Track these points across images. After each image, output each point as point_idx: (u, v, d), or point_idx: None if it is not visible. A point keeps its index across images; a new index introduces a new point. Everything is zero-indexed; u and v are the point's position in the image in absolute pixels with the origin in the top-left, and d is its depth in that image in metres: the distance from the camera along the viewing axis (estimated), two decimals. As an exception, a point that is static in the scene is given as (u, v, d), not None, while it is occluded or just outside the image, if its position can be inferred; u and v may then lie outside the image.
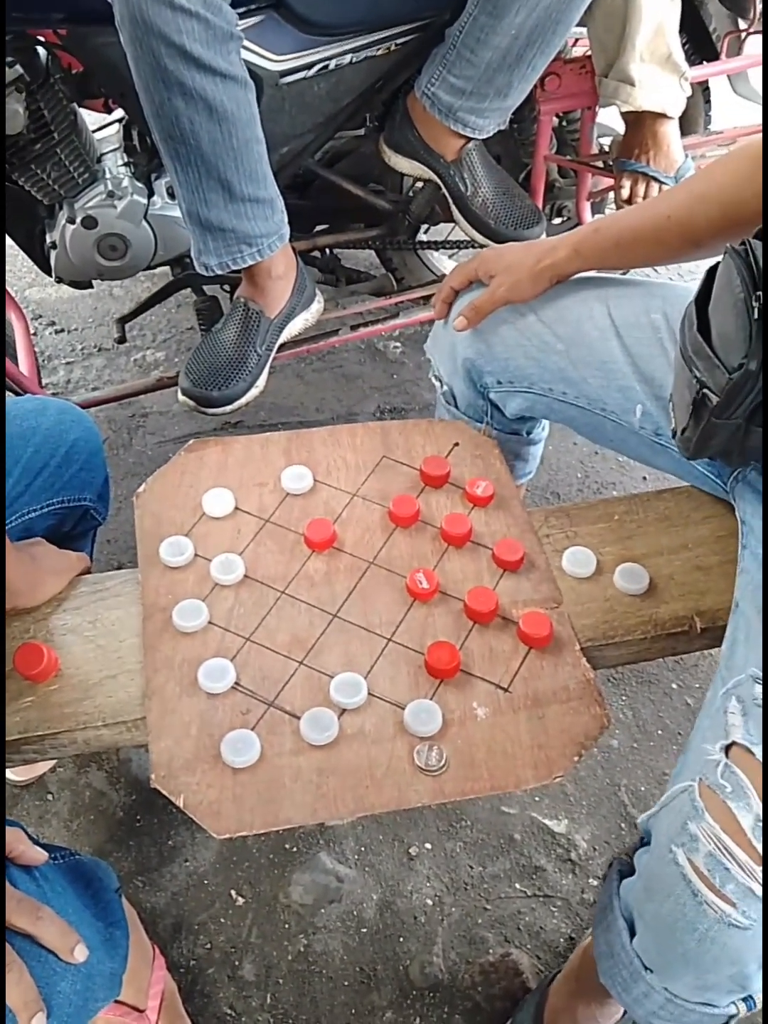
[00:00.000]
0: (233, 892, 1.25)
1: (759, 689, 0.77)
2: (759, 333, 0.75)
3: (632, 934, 0.84)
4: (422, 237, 1.88)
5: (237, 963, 1.20)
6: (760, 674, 0.78)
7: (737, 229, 0.90)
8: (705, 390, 0.82)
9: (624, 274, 1.15)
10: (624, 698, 1.47)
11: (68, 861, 0.86)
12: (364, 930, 1.22)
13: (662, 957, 0.81)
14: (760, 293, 0.76)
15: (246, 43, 1.31)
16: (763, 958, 0.75)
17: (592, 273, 1.10)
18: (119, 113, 1.61)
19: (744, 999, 0.83)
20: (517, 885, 1.27)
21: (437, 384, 1.24)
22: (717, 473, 1.00)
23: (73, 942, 0.70)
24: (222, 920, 1.23)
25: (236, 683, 0.86)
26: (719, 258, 0.82)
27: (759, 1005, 0.82)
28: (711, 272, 0.84)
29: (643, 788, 1.36)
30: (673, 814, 0.78)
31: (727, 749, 0.75)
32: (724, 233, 0.92)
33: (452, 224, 1.80)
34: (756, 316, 0.75)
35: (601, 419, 1.07)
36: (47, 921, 0.70)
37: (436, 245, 1.83)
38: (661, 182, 1.54)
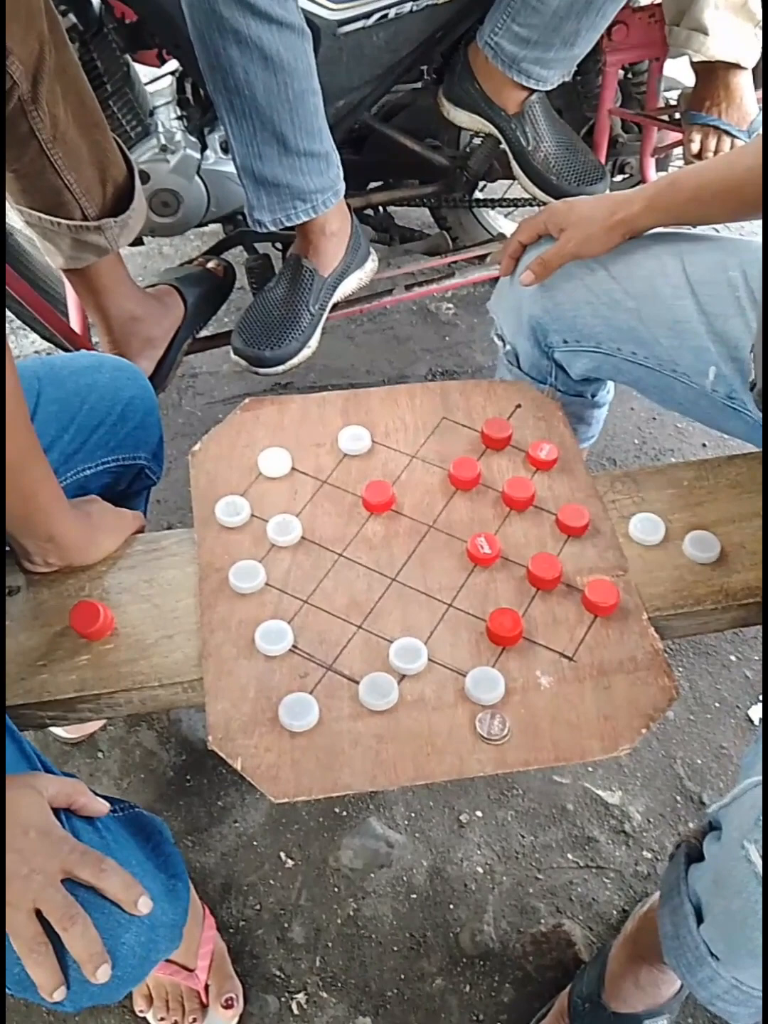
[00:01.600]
0: (283, 854, 1.25)
1: None
2: None
3: (699, 920, 0.82)
4: (478, 195, 1.83)
5: (286, 925, 1.19)
6: None
7: None
8: None
9: (697, 229, 1.10)
10: (681, 669, 1.44)
11: (128, 813, 0.85)
12: (414, 896, 1.22)
13: (730, 948, 0.79)
14: None
15: (303, -10, 1.27)
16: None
17: (665, 228, 1.06)
18: (172, 65, 1.57)
19: None
20: (569, 855, 1.25)
21: (499, 344, 1.20)
22: None
23: (137, 894, 0.70)
24: (271, 882, 1.23)
25: (293, 646, 0.85)
26: None
27: None
28: None
29: (699, 761, 1.33)
30: (745, 809, 0.75)
31: None
32: None
33: (508, 182, 1.75)
34: None
35: (671, 380, 1.03)
36: (111, 872, 0.69)
37: (492, 203, 1.79)
38: (733, 136, 1.48)
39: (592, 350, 1.07)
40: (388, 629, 0.87)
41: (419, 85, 1.65)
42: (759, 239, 0.97)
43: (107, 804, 0.78)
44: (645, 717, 0.81)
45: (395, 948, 1.18)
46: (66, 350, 1.53)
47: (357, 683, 0.82)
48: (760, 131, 1.51)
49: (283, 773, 0.77)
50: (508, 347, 1.18)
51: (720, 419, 1.03)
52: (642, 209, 1.00)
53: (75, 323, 1.56)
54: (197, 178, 1.54)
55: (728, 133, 1.48)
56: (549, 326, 1.09)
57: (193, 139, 1.53)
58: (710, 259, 1.00)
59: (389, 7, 1.38)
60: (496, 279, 1.33)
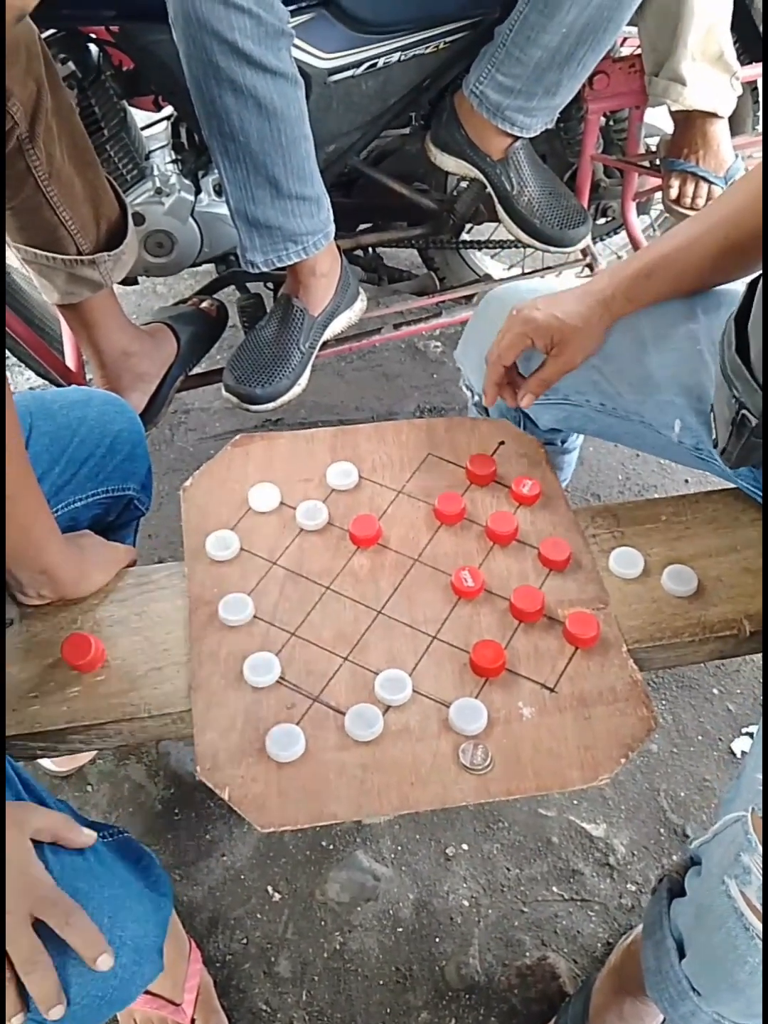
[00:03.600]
0: (270, 888, 1.26)
1: None
2: None
3: (681, 955, 0.83)
4: (465, 236, 1.88)
5: (273, 959, 1.20)
6: None
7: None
8: (744, 411, 0.81)
9: None
10: (664, 702, 1.45)
11: (118, 838, 0.86)
12: (400, 929, 1.22)
13: (711, 983, 0.80)
14: None
15: (296, 41, 1.32)
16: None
17: None
18: (167, 111, 1.62)
19: None
20: (554, 888, 1.26)
21: (468, 394, 1.22)
22: (756, 481, 0.99)
23: (99, 951, 0.70)
24: (258, 916, 1.23)
25: (281, 677, 0.86)
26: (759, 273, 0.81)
27: None
28: (751, 287, 0.82)
29: (683, 794, 1.35)
30: (726, 844, 0.77)
31: None
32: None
33: (494, 224, 1.80)
34: None
35: (641, 429, 1.05)
36: (77, 926, 0.69)
37: (479, 244, 1.83)
38: (710, 182, 1.53)
39: (559, 402, 1.08)
40: (374, 661, 0.88)
41: (407, 131, 1.70)
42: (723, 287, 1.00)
43: (94, 835, 0.78)
44: (625, 747, 0.82)
45: (381, 982, 1.18)
46: (59, 387, 1.56)
47: (343, 714, 0.83)
48: (737, 176, 1.56)
49: (270, 803, 0.78)
50: (477, 397, 1.19)
51: (693, 462, 1.05)
52: (622, 303, 0.98)
53: (70, 361, 1.59)
54: (191, 220, 1.58)
55: (705, 179, 1.53)
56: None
57: (187, 182, 1.57)
58: (670, 311, 1.00)
59: (378, 57, 1.43)
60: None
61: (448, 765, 0.81)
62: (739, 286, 0.88)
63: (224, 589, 0.93)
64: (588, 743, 0.82)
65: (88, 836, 0.77)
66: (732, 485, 1.06)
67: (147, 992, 1.07)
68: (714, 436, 0.89)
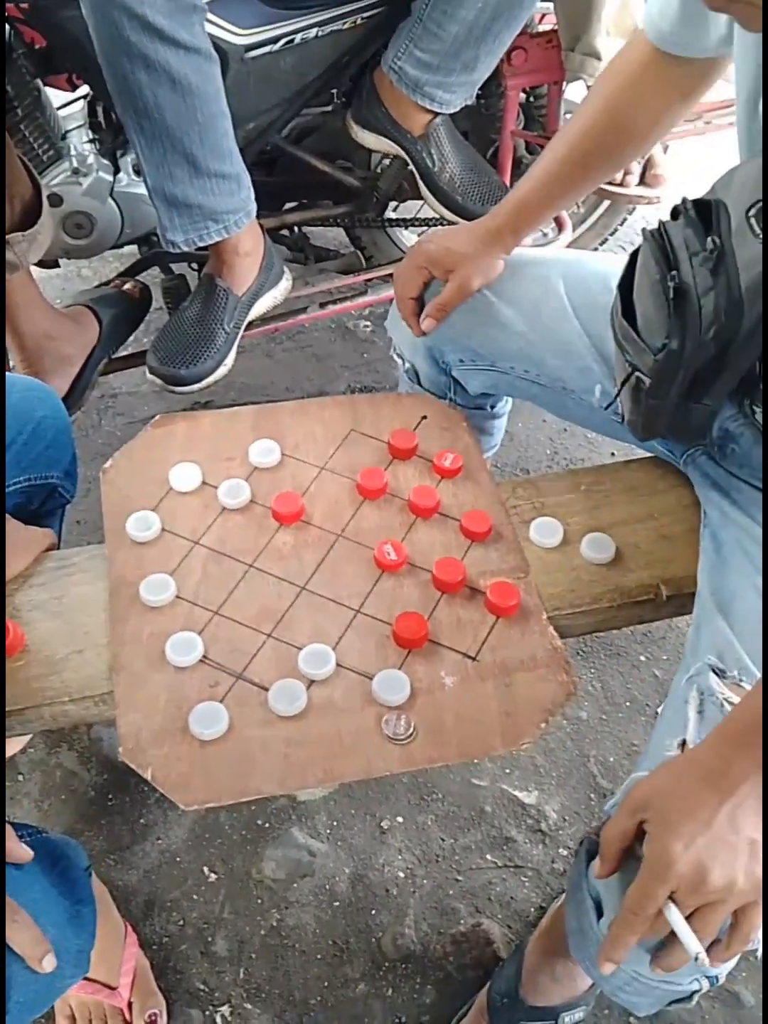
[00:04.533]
0: (206, 869, 1.26)
1: (714, 679, 0.78)
2: (677, 313, 0.77)
3: (599, 914, 0.85)
4: (391, 214, 1.87)
5: (210, 939, 1.20)
6: (718, 663, 0.79)
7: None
8: (638, 373, 0.83)
9: (578, 252, 1.16)
10: (593, 670, 1.48)
11: (35, 839, 0.85)
12: (336, 904, 1.23)
13: None
14: (675, 273, 0.77)
15: (210, 16, 1.30)
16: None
17: (546, 252, 1.11)
18: (84, 90, 1.58)
19: (708, 976, 0.84)
20: (488, 856, 1.28)
21: (399, 361, 1.24)
22: (671, 450, 1.02)
23: (43, 952, 0.70)
24: (195, 897, 1.23)
25: (204, 656, 0.86)
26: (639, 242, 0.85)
27: (722, 980, 0.83)
28: (633, 257, 0.86)
29: (612, 759, 1.38)
30: None
31: (681, 745, 0.77)
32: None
33: (420, 201, 1.80)
34: (671, 296, 0.76)
35: (563, 396, 1.08)
36: (21, 926, 0.70)
37: (405, 222, 1.82)
38: (628, 156, 1.54)
39: (487, 368, 1.11)
40: (298, 636, 0.89)
41: (329, 108, 1.68)
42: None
43: (31, 852, 0.78)
44: (545, 712, 0.84)
45: (319, 956, 1.19)
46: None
47: (267, 690, 0.84)
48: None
49: (193, 781, 0.78)
50: (407, 365, 1.21)
51: (613, 431, 1.07)
52: (508, 221, 1.07)
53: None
54: (110, 200, 1.55)
55: (623, 154, 1.54)
56: (444, 347, 1.13)
57: (106, 162, 1.54)
58: (591, 282, 1.05)
59: (295, 33, 1.42)
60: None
61: (372, 736, 0.82)
62: None
63: (145, 570, 0.92)
64: (509, 709, 0.84)
65: (25, 851, 0.77)
66: (650, 454, 1.08)
67: (83, 978, 1.07)
68: (621, 409, 0.91)
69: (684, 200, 0.80)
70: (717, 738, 0.70)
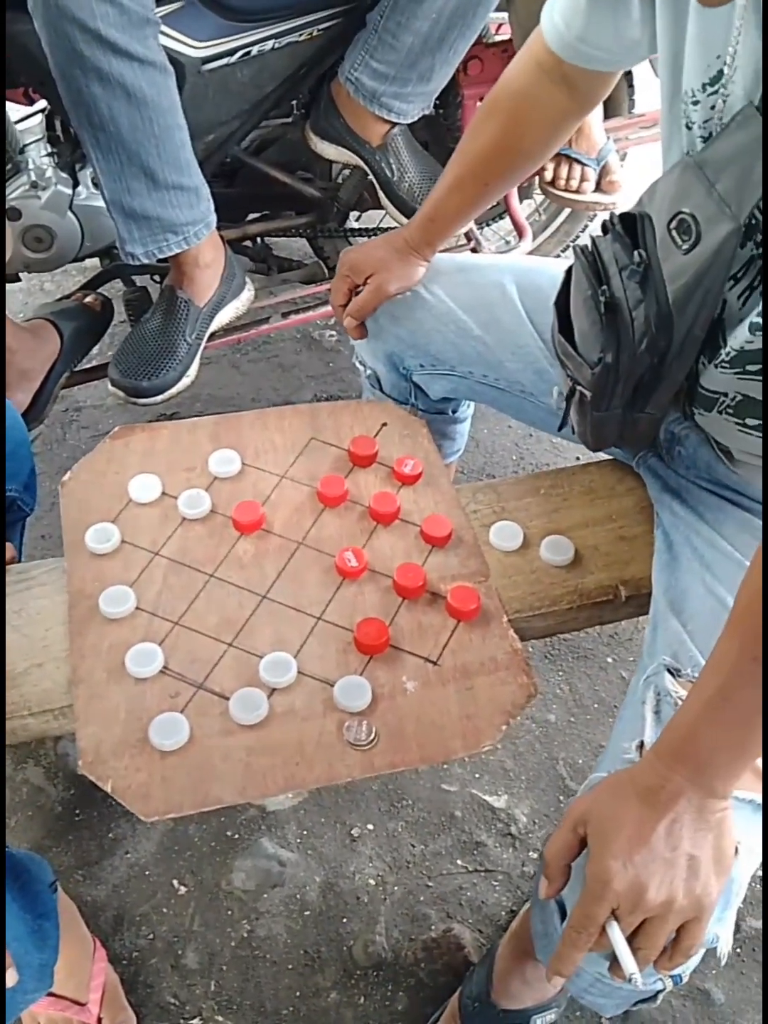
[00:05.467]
0: (175, 881, 1.25)
1: (669, 679, 0.79)
2: (609, 327, 0.78)
3: (564, 917, 0.86)
4: (354, 224, 1.88)
5: (180, 952, 1.19)
6: (672, 662, 0.80)
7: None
8: (579, 387, 0.84)
9: (533, 259, 1.18)
10: (560, 673, 1.49)
11: None
12: (307, 913, 1.23)
13: None
14: (606, 288, 0.78)
15: (166, 29, 1.30)
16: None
17: (501, 257, 1.13)
18: (42, 104, 1.58)
19: (671, 975, 0.84)
20: (459, 861, 1.28)
21: (361, 368, 1.25)
22: (626, 453, 1.03)
23: (5, 967, 0.69)
24: (164, 910, 1.23)
25: (164, 667, 0.86)
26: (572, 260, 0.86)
27: (685, 979, 0.83)
28: (568, 274, 0.87)
29: (580, 761, 1.38)
30: None
31: (640, 747, 0.77)
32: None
33: (383, 211, 1.81)
34: (603, 311, 0.78)
35: (521, 400, 1.09)
36: None
37: (367, 232, 1.84)
38: (583, 164, 1.56)
39: (447, 373, 1.13)
40: (259, 645, 0.89)
41: (289, 119, 1.69)
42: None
43: None
44: (505, 714, 0.84)
45: (290, 966, 1.18)
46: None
47: (228, 699, 0.84)
48: (608, 158, 1.60)
49: (154, 791, 0.78)
50: (369, 371, 1.22)
51: (571, 433, 1.08)
52: (420, 234, 1.09)
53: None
54: (70, 213, 1.55)
55: (579, 161, 1.56)
56: (405, 354, 1.14)
57: (64, 175, 1.54)
58: (544, 285, 1.06)
59: (251, 45, 1.42)
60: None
61: (333, 743, 0.82)
62: None
63: (105, 582, 0.92)
64: (470, 713, 0.84)
65: None
66: (609, 457, 1.10)
67: (51, 994, 1.06)
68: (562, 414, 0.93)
69: (611, 215, 0.82)
70: (653, 753, 0.70)
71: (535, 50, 0.96)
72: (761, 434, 0.80)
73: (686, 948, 0.69)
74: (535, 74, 0.96)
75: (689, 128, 0.77)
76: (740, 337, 0.75)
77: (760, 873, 1.28)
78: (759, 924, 1.24)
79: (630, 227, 0.80)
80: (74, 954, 1.07)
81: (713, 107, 0.73)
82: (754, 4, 0.65)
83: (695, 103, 0.74)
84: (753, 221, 0.72)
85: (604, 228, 0.83)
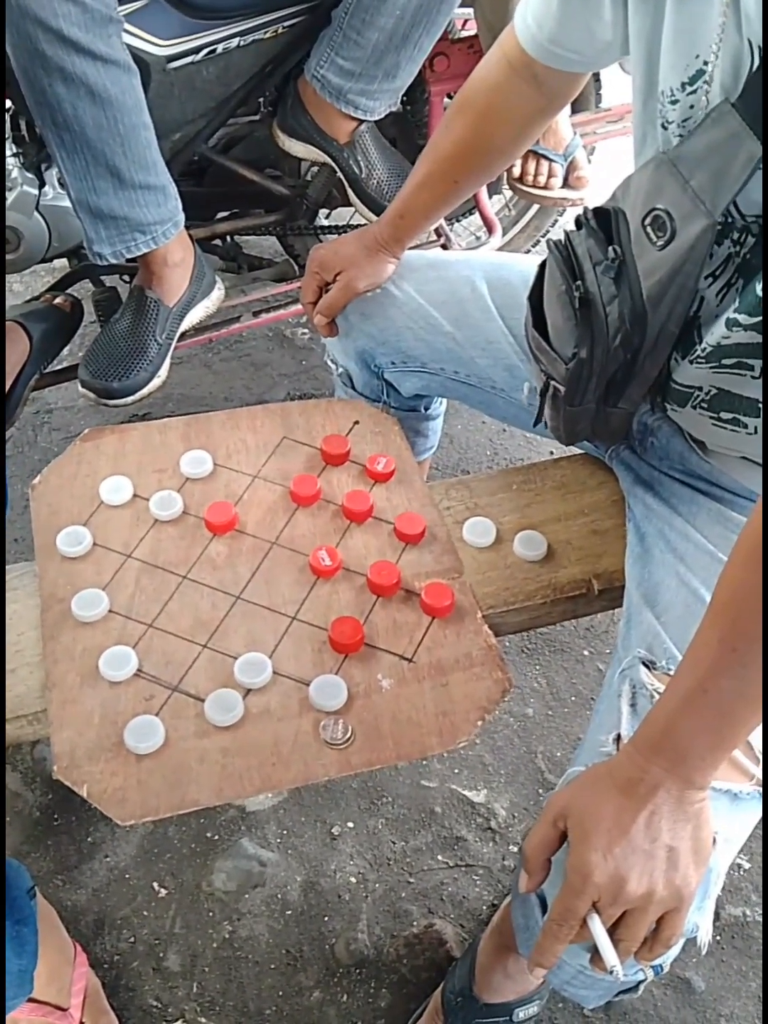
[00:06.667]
0: (156, 884, 1.24)
1: (644, 671, 0.79)
2: (584, 322, 0.78)
3: (544, 910, 0.86)
4: (324, 221, 1.88)
5: (162, 955, 1.19)
6: (647, 655, 0.81)
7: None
8: (552, 381, 0.85)
9: (501, 254, 1.18)
10: (538, 667, 1.50)
11: None
12: (288, 912, 1.23)
13: None
14: (580, 283, 0.78)
15: (130, 27, 1.29)
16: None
17: (471, 254, 1.13)
18: (5, 104, 1.57)
19: (652, 966, 0.85)
20: (439, 857, 1.28)
21: (333, 366, 1.24)
22: (598, 447, 1.04)
23: None
24: (145, 913, 1.22)
25: (139, 670, 0.86)
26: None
27: (666, 969, 0.84)
28: (542, 269, 0.87)
29: (559, 754, 1.39)
30: None
31: (617, 740, 0.78)
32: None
33: (352, 208, 1.80)
34: (577, 306, 0.78)
35: (492, 396, 1.10)
36: None
37: (337, 229, 1.83)
38: (551, 160, 1.57)
39: (418, 370, 1.13)
40: (233, 646, 0.88)
41: (257, 117, 1.68)
42: None
43: None
44: (481, 710, 0.85)
45: (272, 966, 1.18)
46: None
47: (203, 701, 0.83)
48: (575, 153, 1.60)
49: (129, 795, 0.78)
50: (341, 369, 1.22)
51: (545, 430, 1.08)
52: (389, 231, 1.09)
53: None
54: (36, 214, 1.53)
55: (546, 157, 1.56)
56: (376, 351, 1.14)
57: (30, 176, 1.52)
58: (513, 281, 1.07)
59: (216, 43, 1.42)
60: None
61: (309, 742, 0.82)
62: None
63: (77, 585, 0.91)
64: (446, 709, 0.84)
65: None
66: (580, 451, 1.10)
67: (32, 1000, 1.05)
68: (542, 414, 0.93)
69: (585, 209, 0.82)
70: (631, 745, 0.70)
71: (506, 48, 0.95)
72: (736, 428, 0.81)
73: (666, 939, 0.70)
74: (506, 72, 0.96)
75: (665, 127, 0.77)
76: (717, 333, 0.76)
77: (738, 862, 1.29)
78: (738, 912, 1.25)
79: (604, 222, 0.80)
80: (54, 959, 1.06)
81: (693, 106, 0.73)
82: (734, 5, 0.66)
83: (674, 102, 0.74)
84: (728, 219, 0.73)
85: (578, 223, 0.83)
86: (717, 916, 1.22)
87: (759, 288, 0.70)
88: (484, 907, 1.24)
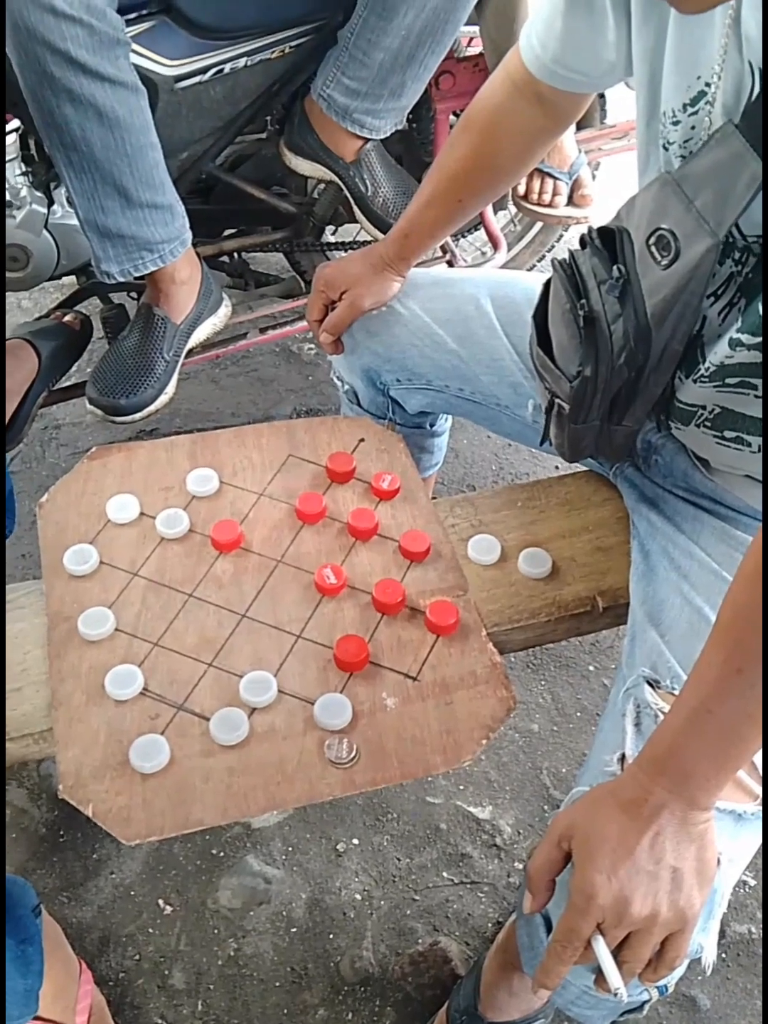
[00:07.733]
0: (161, 901, 1.25)
1: (649, 691, 0.79)
2: (588, 340, 0.78)
3: (549, 929, 0.86)
4: (330, 238, 1.89)
5: (167, 972, 1.19)
6: (651, 674, 0.81)
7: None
8: (557, 399, 0.85)
9: (504, 272, 1.18)
10: (543, 682, 1.49)
11: None
12: (293, 930, 1.22)
13: None
14: (584, 301, 0.79)
15: (138, 48, 1.31)
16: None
17: (476, 272, 1.14)
18: (15, 123, 1.58)
19: (656, 986, 0.85)
20: (444, 874, 1.28)
21: (339, 384, 1.25)
22: (602, 464, 1.04)
23: None
24: (150, 930, 1.22)
25: (144, 689, 0.86)
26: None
27: (671, 989, 0.84)
28: (546, 287, 0.88)
29: (564, 770, 1.39)
30: None
31: (621, 760, 0.78)
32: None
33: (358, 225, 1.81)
34: (582, 325, 0.78)
35: (497, 413, 1.10)
36: None
37: (344, 246, 1.84)
38: (555, 178, 1.58)
39: (424, 387, 1.14)
40: (238, 664, 0.89)
41: (263, 135, 1.70)
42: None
43: None
44: (485, 728, 0.85)
45: (277, 983, 1.18)
46: None
47: (208, 720, 0.84)
48: (580, 171, 1.61)
49: (134, 815, 0.78)
50: (347, 387, 1.23)
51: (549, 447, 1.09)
52: (395, 250, 1.10)
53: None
54: (45, 232, 1.55)
55: (551, 175, 1.57)
56: (381, 368, 1.15)
57: (39, 194, 1.53)
58: (518, 299, 1.08)
59: (224, 63, 1.43)
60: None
61: (314, 761, 0.82)
62: None
63: (84, 604, 0.92)
64: (450, 727, 0.85)
65: None
66: (585, 468, 1.10)
67: (37, 1018, 1.05)
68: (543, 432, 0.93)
69: (590, 229, 0.82)
70: (636, 766, 0.70)
71: (511, 69, 0.96)
72: (740, 447, 0.81)
73: (671, 960, 0.69)
74: (511, 93, 0.97)
75: (666, 148, 0.77)
76: (720, 352, 0.76)
77: (743, 879, 1.29)
78: (743, 929, 1.24)
79: (608, 241, 0.80)
80: (60, 977, 1.06)
81: (694, 127, 0.74)
82: (735, 27, 0.66)
83: (675, 123, 0.75)
84: (731, 238, 0.73)
85: (582, 242, 0.84)
86: (722, 934, 1.22)
87: (761, 308, 0.71)
88: (489, 924, 1.24)
